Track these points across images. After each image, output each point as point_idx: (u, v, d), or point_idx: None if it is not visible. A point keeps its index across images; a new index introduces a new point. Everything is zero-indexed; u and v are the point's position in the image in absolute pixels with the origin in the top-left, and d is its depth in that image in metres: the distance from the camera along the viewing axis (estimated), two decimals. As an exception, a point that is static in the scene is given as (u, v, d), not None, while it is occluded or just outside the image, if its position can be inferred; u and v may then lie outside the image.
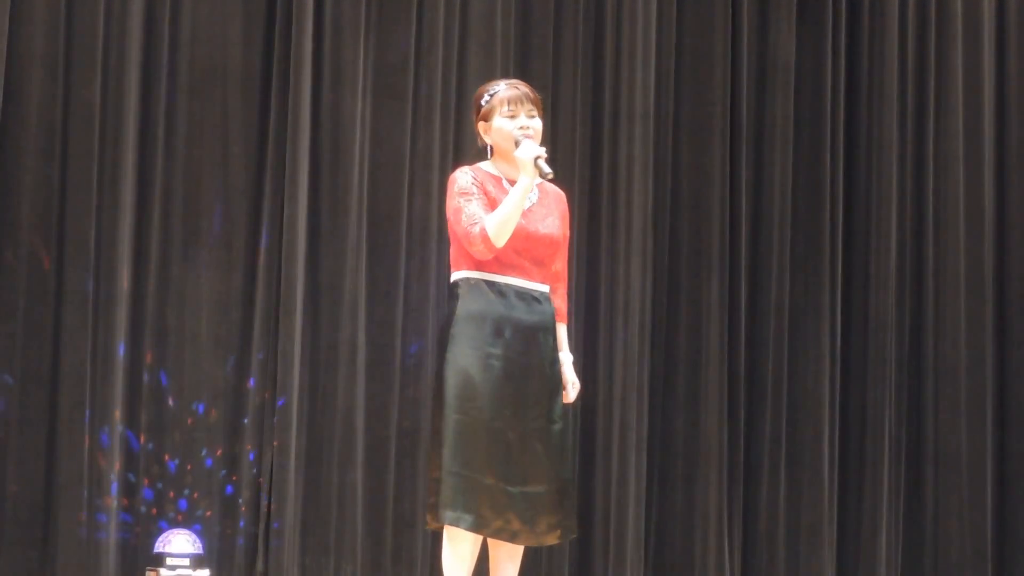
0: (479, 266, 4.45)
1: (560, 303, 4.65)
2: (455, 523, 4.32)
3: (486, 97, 4.54)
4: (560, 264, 4.66)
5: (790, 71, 7.36)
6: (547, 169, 4.39)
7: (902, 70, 7.50)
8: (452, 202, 4.45)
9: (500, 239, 4.38)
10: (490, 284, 4.45)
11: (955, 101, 7.52)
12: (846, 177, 7.42)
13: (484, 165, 4.56)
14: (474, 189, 4.44)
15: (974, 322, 7.46)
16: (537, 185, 4.57)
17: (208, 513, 6.29)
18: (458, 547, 4.38)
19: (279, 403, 6.31)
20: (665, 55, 7.20)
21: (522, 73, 6.67)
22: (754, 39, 7.35)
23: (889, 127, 7.43)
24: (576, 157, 6.94)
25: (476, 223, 4.38)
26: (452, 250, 4.54)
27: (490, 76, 6.46)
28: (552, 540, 4.51)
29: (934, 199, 7.50)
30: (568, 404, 4.58)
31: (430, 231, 6.61)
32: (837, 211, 7.37)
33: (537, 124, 4.51)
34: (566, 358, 4.62)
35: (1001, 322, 7.54)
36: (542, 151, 4.42)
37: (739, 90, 7.26)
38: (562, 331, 4.65)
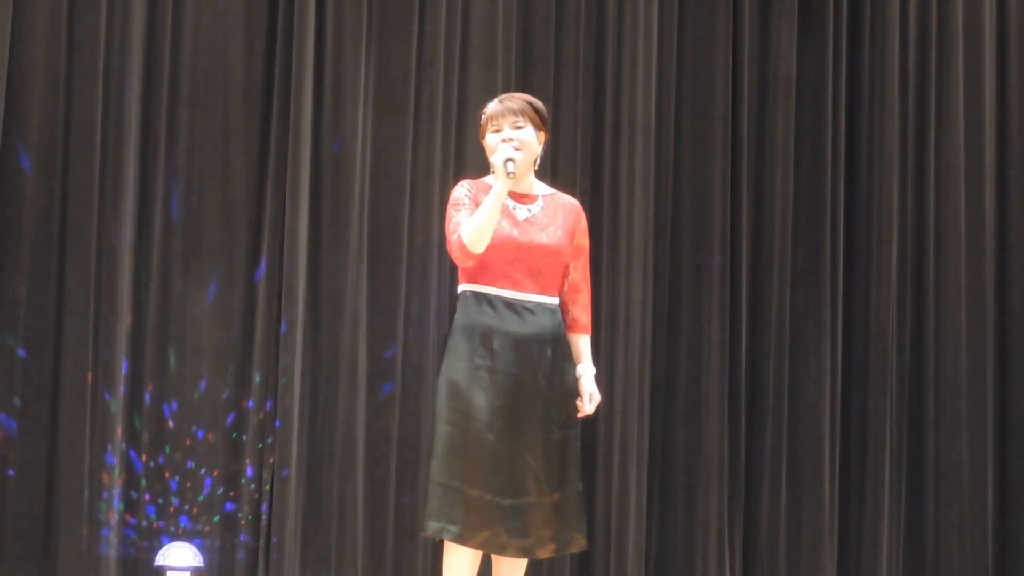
0: (473, 278, 4.47)
1: (580, 314, 4.61)
2: (439, 534, 4.34)
3: (482, 117, 4.58)
4: (578, 275, 4.63)
5: (791, 83, 7.36)
6: (509, 169, 4.38)
7: (903, 82, 7.50)
8: (447, 214, 4.50)
9: (476, 245, 4.38)
10: (479, 296, 4.46)
11: (956, 113, 7.53)
12: (847, 190, 7.43)
13: (487, 179, 4.57)
14: (466, 200, 4.47)
15: (975, 334, 7.46)
16: (545, 196, 4.59)
17: (208, 526, 6.29)
18: (456, 560, 4.38)
19: (279, 417, 6.31)
20: (666, 67, 7.20)
21: (523, 86, 6.67)
22: (755, 51, 7.36)
23: (890, 139, 7.43)
24: (577, 170, 6.94)
25: (455, 231, 4.42)
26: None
27: (491, 89, 6.47)
28: (546, 553, 4.48)
29: (935, 211, 7.50)
30: (584, 415, 4.55)
31: (431, 243, 6.61)
32: (838, 223, 7.36)
33: (523, 134, 4.49)
34: (586, 369, 4.57)
35: (1002, 334, 7.54)
36: (515, 155, 4.41)
37: (740, 102, 7.26)
38: (582, 342, 4.60)
